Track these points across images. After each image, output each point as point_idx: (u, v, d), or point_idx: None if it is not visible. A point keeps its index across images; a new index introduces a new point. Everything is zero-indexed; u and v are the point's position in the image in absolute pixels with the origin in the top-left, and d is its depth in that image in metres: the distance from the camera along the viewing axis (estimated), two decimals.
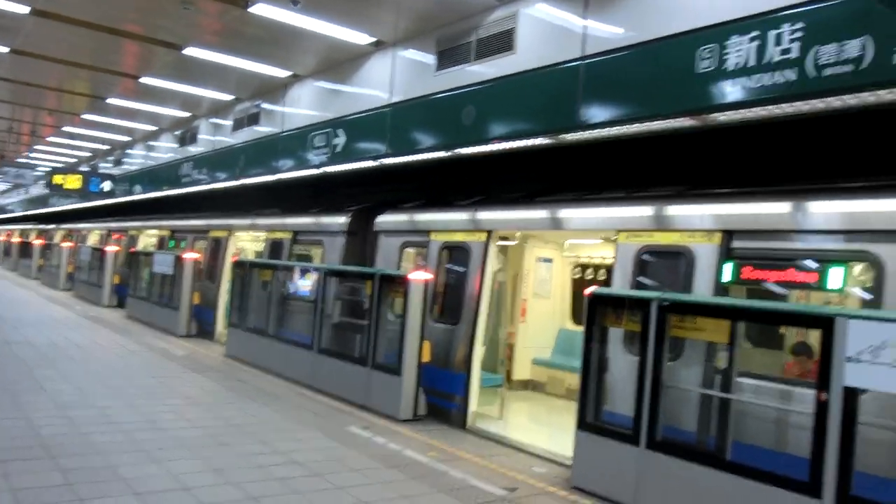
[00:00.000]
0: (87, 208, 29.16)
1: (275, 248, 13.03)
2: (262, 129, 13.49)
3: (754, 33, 5.40)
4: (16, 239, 37.49)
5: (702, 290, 6.09)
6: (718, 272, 5.98)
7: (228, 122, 14.94)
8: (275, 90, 12.93)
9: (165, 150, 18.84)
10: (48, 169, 22.80)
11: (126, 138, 21.05)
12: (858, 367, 4.36)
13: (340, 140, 10.84)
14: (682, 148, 7.36)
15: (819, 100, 5.09)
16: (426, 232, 9.55)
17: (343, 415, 8.35)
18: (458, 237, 9.00)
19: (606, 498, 5.88)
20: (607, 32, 6.77)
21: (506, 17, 7.97)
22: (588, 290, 6.41)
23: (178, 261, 14.74)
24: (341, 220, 11.30)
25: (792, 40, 5.16)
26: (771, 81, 5.27)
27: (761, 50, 5.34)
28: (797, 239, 5.61)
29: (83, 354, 11.04)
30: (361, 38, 9.75)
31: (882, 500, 4.35)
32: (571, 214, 7.69)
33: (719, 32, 5.66)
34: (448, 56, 8.80)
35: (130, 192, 21.18)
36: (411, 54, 9.55)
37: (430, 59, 9.11)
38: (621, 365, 6.41)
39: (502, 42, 7.98)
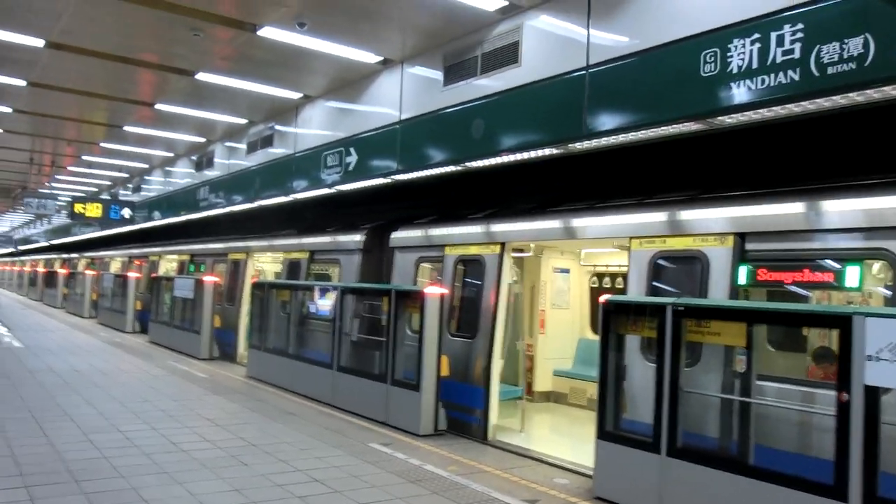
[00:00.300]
0: (109, 236, 29.62)
1: (292, 268, 13.12)
2: (276, 151, 13.64)
3: (756, 35, 5.39)
4: (41, 269, 38.13)
5: (718, 294, 6.05)
6: (734, 275, 5.95)
7: (243, 146, 15.12)
8: (287, 112, 13.09)
9: (182, 175, 19.09)
10: (69, 198, 23.15)
11: (144, 165, 21.37)
12: (879, 366, 4.30)
13: (353, 158, 10.94)
14: (691, 152, 7.33)
15: (825, 98, 5.06)
16: (441, 246, 9.58)
17: (363, 431, 8.37)
18: (472, 250, 9.02)
19: None
20: (611, 41, 6.79)
21: (510, 30, 8.02)
22: (602, 299, 6.39)
23: (198, 284, 14.89)
24: (357, 237, 11.37)
25: (793, 41, 5.15)
26: (776, 82, 5.25)
27: (764, 52, 5.33)
28: (811, 239, 5.57)
29: (106, 380, 11.18)
30: (369, 58, 9.86)
31: None
32: (583, 223, 7.67)
33: (721, 36, 5.65)
34: (455, 71, 8.87)
35: (150, 218, 21.45)
36: (419, 71, 9.63)
37: (437, 74, 9.19)
38: (639, 372, 6.37)
39: (508, 55, 8.03)
